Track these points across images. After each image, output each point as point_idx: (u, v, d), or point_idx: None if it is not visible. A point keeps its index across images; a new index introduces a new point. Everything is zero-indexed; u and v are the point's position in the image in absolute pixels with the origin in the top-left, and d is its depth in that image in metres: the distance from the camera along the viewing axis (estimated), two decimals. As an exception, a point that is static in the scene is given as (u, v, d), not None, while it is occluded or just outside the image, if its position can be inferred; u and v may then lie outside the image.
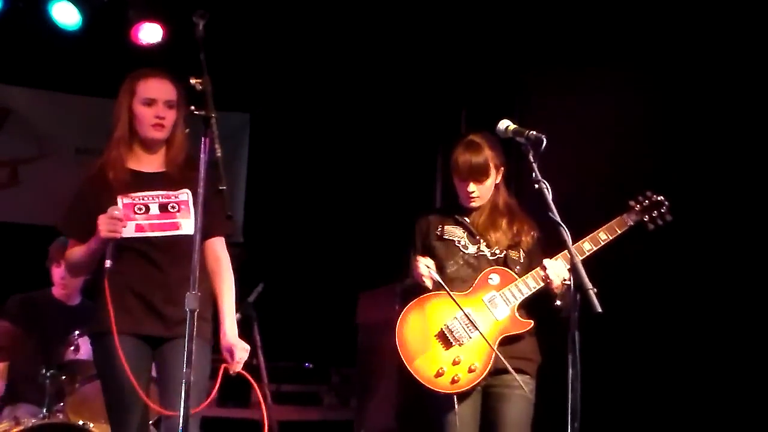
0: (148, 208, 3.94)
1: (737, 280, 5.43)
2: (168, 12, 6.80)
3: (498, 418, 4.31)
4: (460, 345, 4.27)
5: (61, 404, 4.98)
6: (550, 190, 3.51)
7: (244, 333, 4.87)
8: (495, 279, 4.39)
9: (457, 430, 4.23)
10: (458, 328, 4.29)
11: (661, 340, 5.69)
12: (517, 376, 4.22)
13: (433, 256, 4.42)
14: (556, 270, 4.24)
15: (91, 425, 4.85)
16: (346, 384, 7.22)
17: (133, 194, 3.93)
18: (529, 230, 4.48)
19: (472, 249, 4.45)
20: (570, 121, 6.15)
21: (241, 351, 4.02)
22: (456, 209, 4.58)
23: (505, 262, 4.44)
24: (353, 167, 8.02)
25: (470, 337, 4.28)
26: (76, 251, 3.99)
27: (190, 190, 3.93)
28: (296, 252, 7.87)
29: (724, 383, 5.40)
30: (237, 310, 4.22)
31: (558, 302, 4.28)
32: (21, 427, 4.69)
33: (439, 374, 4.22)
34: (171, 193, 3.95)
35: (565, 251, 4.13)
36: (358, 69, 7.55)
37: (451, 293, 4.23)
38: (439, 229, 4.50)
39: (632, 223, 4.44)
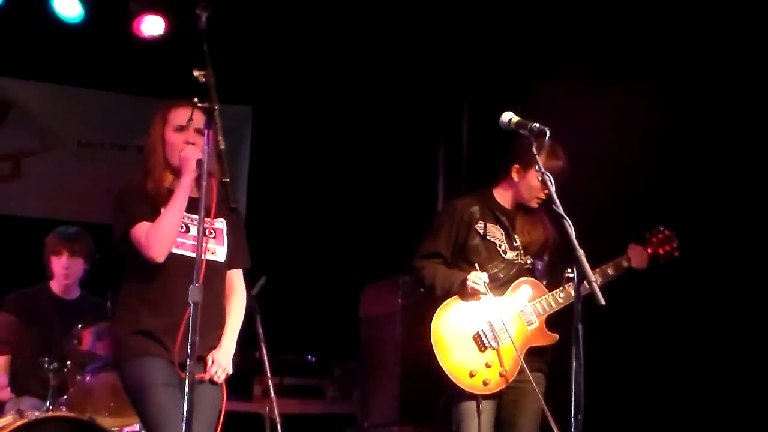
0: (188, 229, 3.93)
1: (741, 274, 5.43)
2: (170, 4, 6.78)
3: (517, 412, 4.45)
4: (493, 349, 4.35)
5: (65, 397, 4.98)
6: (553, 182, 3.52)
7: (247, 326, 4.86)
8: (527, 289, 4.51)
9: (477, 427, 4.32)
10: (493, 333, 4.38)
11: (665, 333, 5.69)
12: (535, 375, 4.36)
13: (470, 253, 4.46)
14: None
15: (95, 418, 4.85)
16: (349, 377, 7.21)
17: None
18: (555, 235, 4.57)
19: (510, 255, 4.53)
20: (573, 118, 6.14)
21: (217, 366, 3.95)
22: (495, 205, 4.61)
23: (532, 272, 4.52)
24: (356, 160, 8.01)
25: (503, 343, 4.37)
26: (159, 220, 3.83)
27: (224, 219, 3.97)
28: (299, 245, 7.86)
29: (728, 377, 5.39)
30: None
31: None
32: (25, 420, 4.68)
33: (471, 375, 4.32)
34: (208, 219, 3.91)
35: (597, 269, 4.43)
36: (361, 63, 7.54)
37: (495, 308, 4.34)
38: (481, 225, 4.54)
39: (647, 260, 4.67)
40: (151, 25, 6.91)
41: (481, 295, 4.35)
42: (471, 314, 4.40)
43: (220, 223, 4.01)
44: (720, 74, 5.63)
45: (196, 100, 3.52)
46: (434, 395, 4.81)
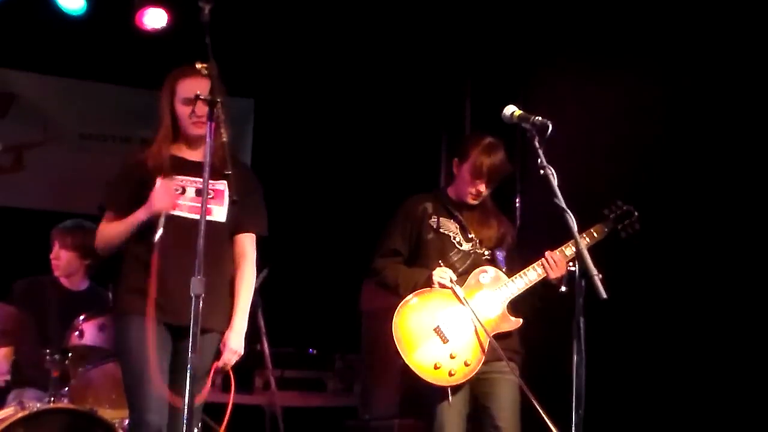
0: (184, 191, 4.01)
1: (741, 266, 5.42)
2: (173, -3, 6.79)
3: (491, 402, 4.45)
4: (455, 340, 4.37)
5: (66, 389, 4.99)
6: (555, 176, 3.52)
7: (249, 318, 4.86)
8: (486, 277, 4.52)
9: (448, 418, 4.35)
10: (454, 323, 4.39)
11: (666, 327, 5.68)
12: (504, 363, 4.37)
13: (425, 248, 4.49)
14: (557, 260, 4.43)
15: (96, 410, 4.85)
16: (349, 370, 7.22)
17: (172, 176, 3.98)
18: (510, 231, 4.64)
19: (466, 246, 4.56)
20: (576, 111, 6.14)
21: (230, 353, 4.06)
22: (448, 201, 4.63)
23: (492, 261, 4.52)
24: (358, 154, 8.01)
25: (465, 333, 4.39)
26: (114, 225, 4.05)
27: (226, 182, 3.98)
28: (300, 238, 7.86)
29: (728, 371, 5.39)
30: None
31: (563, 288, 4.36)
32: (26, 412, 4.69)
33: (436, 367, 4.32)
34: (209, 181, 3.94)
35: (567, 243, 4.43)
36: (363, 56, 7.54)
37: (465, 300, 4.36)
38: (434, 220, 4.57)
39: (608, 231, 4.64)
40: (154, 18, 6.92)
41: (449, 290, 4.38)
42: (431, 307, 4.41)
43: (222, 185, 4.02)
44: (724, 65, 5.62)
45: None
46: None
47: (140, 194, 3.96)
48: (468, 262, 4.53)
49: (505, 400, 4.45)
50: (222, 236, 4.06)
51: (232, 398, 4.08)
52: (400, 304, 4.43)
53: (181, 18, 6.86)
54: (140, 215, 3.93)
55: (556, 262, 4.43)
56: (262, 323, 5.72)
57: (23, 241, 6.77)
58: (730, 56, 5.58)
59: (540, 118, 3.63)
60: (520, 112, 3.73)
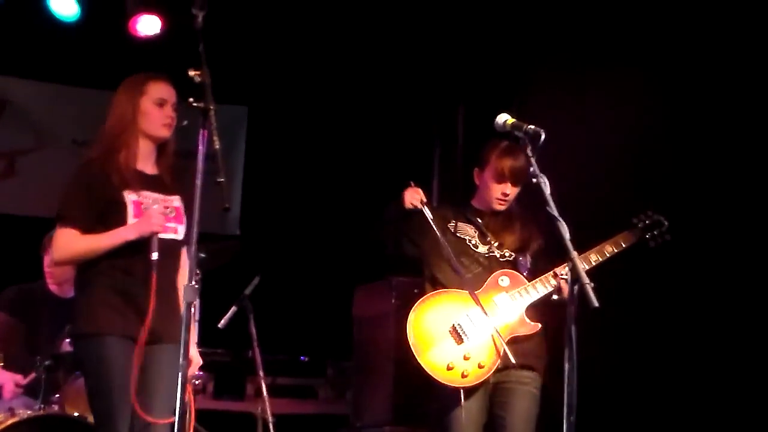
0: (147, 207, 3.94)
1: (736, 275, 5.44)
2: (166, 4, 6.78)
3: (506, 412, 4.40)
4: (470, 341, 4.33)
5: (57, 396, 4.98)
6: (548, 185, 3.53)
7: (240, 326, 4.87)
8: (505, 281, 4.48)
9: (463, 424, 4.31)
10: (469, 325, 4.36)
11: (658, 335, 5.70)
12: (523, 374, 4.34)
13: (442, 251, 4.44)
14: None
15: (87, 416, 4.84)
16: (341, 377, 7.21)
17: (138, 191, 3.92)
18: (537, 237, 4.61)
19: (482, 249, 4.54)
20: (569, 120, 6.15)
21: (196, 366, 4.15)
22: (466, 208, 4.64)
23: (514, 265, 4.51)
24: (350, 161, 8.01)
25: (480, 335, 4.35)
26: (89, 240, 3.88)
27: (179, 196, 4.00)
28: (292, 245, 7.86)
29: (722, 376, 5.40)
30: (232, 304, 4.25)
31: (555, 296, 4.36)
32: (16, 419, 4.68)
33: (449, 368, 4.29)
34: (167, 197, 3.99)
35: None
36: (356, 63, 7.55)
37: (473, 292, 4.34)
38: (452, 224, 4.57)
39: (635, 240, 4.60)
40: (147, 25, 6.91)
41: (419, 207, 4.36)
42: (447, 308, 4.40)
43: (177, 201, 4.02)
44: (719, 67, 5.63)
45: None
46: (425, 397, 4.78)
47: (107, 212, 3.88)
48: (485, 264, 4.51)
49: (520, 411, 4.40)
50: (178, 253, 4.04)
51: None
52: (415, 304, 4.41)
53: (174, 25, 6.86)
54: (129, 235, 3.83)
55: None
56: (253, 330, 5.72)
57: (15, 248, 6.76)
58: (728, 63, 5.60)
59: (533, 127, 3.64)
60: (513, 120, 3.74)
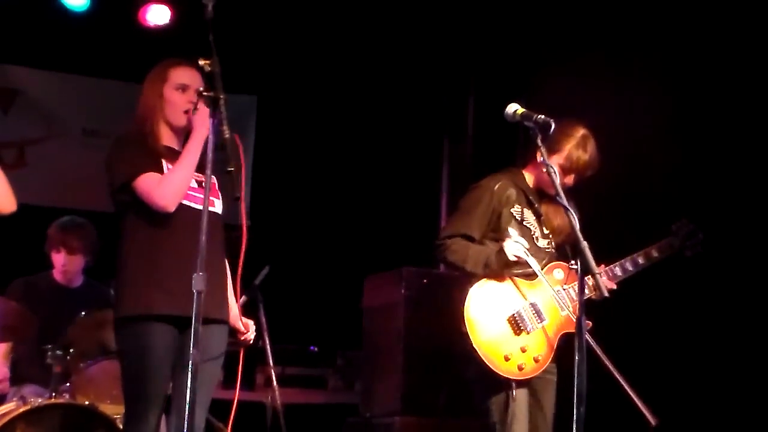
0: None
1: (747, 270, 5.43)
2: (176, -7, 6.80)
3: (542, 402, 4.36)
4: (528, 333, 4.24)
5: (67, 384, 5.00)
6: (558, 174, 3.52)
7: (250, 315, 4.86)
8: (560, 274, 4.39)
9: (521, 417, 4.20)
10: (529, 316, 4.26)
11: (669, 325, 5.69)
12: (552, 364, 4.32)
13: (504, 237, 4.29)
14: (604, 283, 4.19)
15: (97, 405, 4.86)
16: (351, 367, 7.22)
17: (173, 163, 3.90)
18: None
19: (542, 242, 4.42)
20: (578, 112, 6.12)
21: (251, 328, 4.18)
22: (527, 188, 4.47)
23: (558, 257, 4.45)
24: (360, 152, 8.01)
25: (538, 327, 4.26)
26: (176, 167, 3.83)
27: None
28: (302, 235, 7.87)
29: (732, 368, 5.39)
30: (242, 294, 4.23)
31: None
32: (27, 407, 4.71)
33: (507, 359, 4.19)
34: (199, 174, 3.89)
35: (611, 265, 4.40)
36: (366, 54, 7.54)
37: (541, 273, 4.24)
38: (518, 209, 4.39)
39: (676, 248, 4.54)
40: (157, 14, 6.93)
41: (522, 262, 4.19)
42: (506, 295, 4.27)
43: (212, 178, 3.96)
44: (735, 65, 5.61)
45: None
46: (441, 384, 4.66)
47: (157, 162, 3.87)
48: (543, 256, 4.38)
49: (548, 404, 4.37)
50: (220, 225, 4.00)
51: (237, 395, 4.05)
52: (473, 286, 4.24)
53: (184, 14, 6.87)
54: (201, 137, 3.77)
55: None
56: (263, 320, 5.73)
57: (25, 238, 6.77)
58: (736, 56, 5.58)
59: (542, 117, 3.63)
60: (523, 110, 3.73)
